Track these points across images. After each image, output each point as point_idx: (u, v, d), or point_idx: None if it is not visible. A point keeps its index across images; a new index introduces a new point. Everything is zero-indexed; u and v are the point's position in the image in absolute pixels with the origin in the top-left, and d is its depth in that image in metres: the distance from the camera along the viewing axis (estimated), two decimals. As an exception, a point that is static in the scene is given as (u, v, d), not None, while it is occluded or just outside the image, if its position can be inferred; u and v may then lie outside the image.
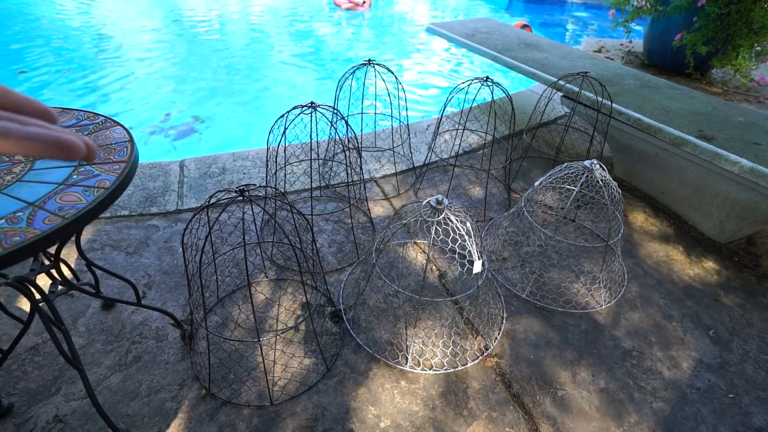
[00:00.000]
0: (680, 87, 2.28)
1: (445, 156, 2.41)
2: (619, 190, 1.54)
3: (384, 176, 2.24)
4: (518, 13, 7.64)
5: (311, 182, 1.75)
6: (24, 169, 0.88)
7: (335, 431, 1.17)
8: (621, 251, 1.80)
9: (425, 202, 1.27)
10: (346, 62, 4.71)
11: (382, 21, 6.54)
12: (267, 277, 1.62)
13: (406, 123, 2.24)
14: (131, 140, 1.00)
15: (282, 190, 1.96)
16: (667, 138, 1.84)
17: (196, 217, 1.15)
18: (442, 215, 1.24)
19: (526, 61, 2.46)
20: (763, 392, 1.34)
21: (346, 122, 1.60)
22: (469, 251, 1.24)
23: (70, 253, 1.61)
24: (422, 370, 1.33)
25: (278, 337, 1.40)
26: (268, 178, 1.73)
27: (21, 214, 0.77)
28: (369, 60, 1.96)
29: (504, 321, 1.50)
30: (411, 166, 2.31)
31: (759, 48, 3.14)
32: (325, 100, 1.61)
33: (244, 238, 1.12)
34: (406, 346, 1.39)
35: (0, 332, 1.36)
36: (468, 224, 1.26)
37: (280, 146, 1.52)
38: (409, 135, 2.26)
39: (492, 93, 1.86)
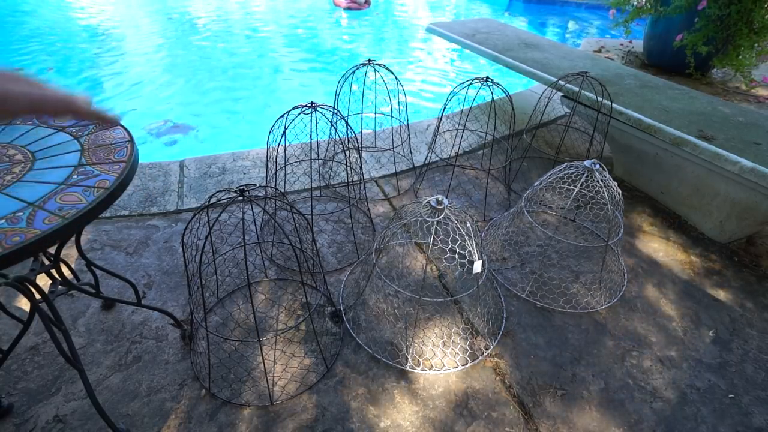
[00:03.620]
0: (680, 87, 2.28)
1: (445, 156, 2.40)
2: (619, 190, 1.54)
3: (384, 176, 2.23)
4: (518, 13, 7.64)
5: (311, 182, 1.74)
6: (24, 169, 0.88)
7: (335, 431, 1.17)
8: (621, 251, 1.80)
9: (425, 202, 1.27)
10: (346, 62, 4.71)
11: (382, 21, 6.54)
12: (267, 277, 1.62)
13: (406, 123, 2.24)
14: (131, 140, 1.00)
15: (282, 190, 1.96)
16: (667, 138, 1.84)
17: (196, 217, 1.15)
18: (442, 215, 1.23)
19: (526, 61, 2.46)
20: (763, 392, 1.34)
21: (346, 122, 1.60)
22: (469, 251, 1.24)
23: (70, 253, 1.62)
24: (422, 370, 1.33)
25: (278, 337, 1.40)
26: (268, 178, 1.73)
27: (21, 214, 0.77)
28: (369, 60, 1.96)
29: (504, 321, 1.50)
30: (411, 166, 2.30)
31: (759, 48, 3.14)
32: (325, 100, 1.61)
33: (244, 238, 1.12)
34: (406, 346, 1.39)
35: (0, 332, 1.36)
36: (468, 224, 1.26)
37: (280, 146, 1.52)
38: (409, 135, 2.26)
39: (492, 93, 1.85)
